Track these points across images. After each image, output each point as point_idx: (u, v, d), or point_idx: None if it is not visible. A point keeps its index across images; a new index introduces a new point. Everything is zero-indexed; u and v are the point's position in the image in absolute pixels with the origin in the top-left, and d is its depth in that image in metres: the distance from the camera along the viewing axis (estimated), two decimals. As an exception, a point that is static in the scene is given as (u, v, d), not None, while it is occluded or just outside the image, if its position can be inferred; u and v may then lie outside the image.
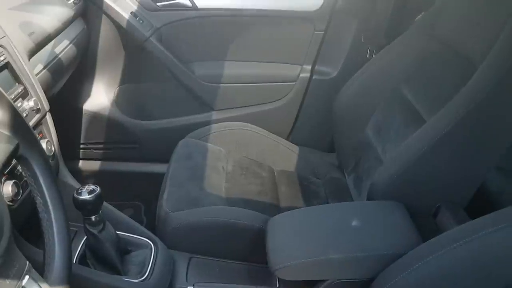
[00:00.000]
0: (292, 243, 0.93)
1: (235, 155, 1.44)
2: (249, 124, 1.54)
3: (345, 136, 1.44)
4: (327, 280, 0.89)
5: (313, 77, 1.59)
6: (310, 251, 0.90)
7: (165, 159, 1.41)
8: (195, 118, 1.63)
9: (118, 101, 1.63)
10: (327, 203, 1.36)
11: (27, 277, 0.55)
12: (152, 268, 0.95)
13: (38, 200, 0.62)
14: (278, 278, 1.05)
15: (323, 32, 1.56)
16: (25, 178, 0.65)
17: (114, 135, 1.63)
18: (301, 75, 1.59)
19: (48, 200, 0.63)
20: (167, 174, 1.30)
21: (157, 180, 1.35)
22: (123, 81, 1.62)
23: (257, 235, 1.08)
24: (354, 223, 0.94)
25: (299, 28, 1.56)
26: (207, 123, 1.59)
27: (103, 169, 1.67)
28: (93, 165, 1.68)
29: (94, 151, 1.67)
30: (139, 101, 1.65)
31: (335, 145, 1.53)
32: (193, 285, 0.97)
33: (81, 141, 1.64)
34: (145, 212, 1.62)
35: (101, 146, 1.67)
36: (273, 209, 1.25)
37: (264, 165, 1.45)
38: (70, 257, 0.62)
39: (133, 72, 1.61)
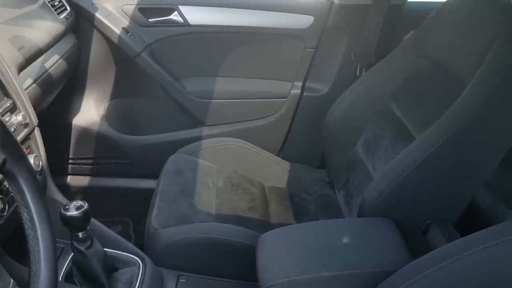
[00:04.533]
0: (282, 260, 0.92)
1: (225, 171, 1.44)
2: (240, 140, 1.54)
3: (336, 153, 1.45)
4: (318, 297, 0.88)
5: (304, 94, 1.60)
6: (300, 269, 0.89)
7: (155, 175, 1.40)
8: (186, 134, 1.62)
9: (108, 116, 1.62)
10: (318, 219, 1.36)
11: None
12: (140, 286, 0.94)
13: (25, 216, 0.61)
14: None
15: (314, 50, 1.57)
16: (12, 194, 0.64)
17: (104, 150, 1.61)
18: (292, 91, 1.60)
19: (35, 216, 0.62)
20: (157, 190, 1.28)
21: (147, 196, 1.34)
22: (114, 96, 1.62)
23: (247, 252, 1.07)
24: (344, 240, 0.94)
25: (290, 45, 1.58)
26: (198, 138, 1.59)
27: (92, 185, 1.65)
28: (81, 181, 1.66)
29: (83, 166, 1.65)
30: (129, 116, 1.65)
31: (325, 162, 1.53)
32: None
33: (70, 156, 1.63)
34: (134, 229, 1.60)
35: (90, 161, 1.65)
36: (264, 225, 1.24)
37: (255, 181, 1.45)
38: (56, 275, 0.60)
39: (124, 87, 1.61)
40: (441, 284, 0.72)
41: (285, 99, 1.61)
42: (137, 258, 1.00)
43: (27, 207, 0.62)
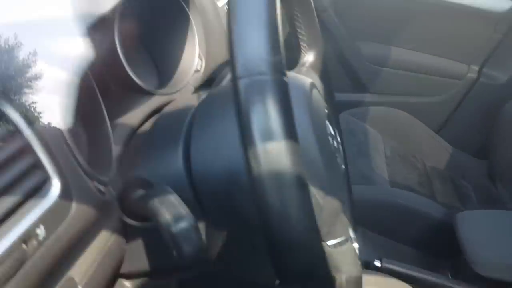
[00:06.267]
0: (497, 242, 0.92)
1: (390, 141, 1.43)
2: (405, 113, 1.53)
3: (508, 146, 1.40)
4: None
5: (480, 79, 1.54)
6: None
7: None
8: (348, 96, 1.62)
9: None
10: (481, 209, 1.33)
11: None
12: None
13: None
14: (451, 271, 1.04)
15: (502, 36, 1.49)
16: None
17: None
18: (468, 74, 1.54)
19: None
20: None
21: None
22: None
23: (435, 225, 1.08)
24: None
25: (478, 27, 1.50)
26: (360, 103, 1.58)
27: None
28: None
29: None
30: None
31: (490, 153, 1.49)
32: (381, 260, 0.97)
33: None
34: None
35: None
36: (434, 202, 1.24)
37: (417, 157, 1.44)
38: None
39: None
40: None
41: (459, 81, 1.55)
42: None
43: None
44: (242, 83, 0.33)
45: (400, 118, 1.52)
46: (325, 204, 0.45)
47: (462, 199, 1.35)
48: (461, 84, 1.56)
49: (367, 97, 1.62)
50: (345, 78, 1.62)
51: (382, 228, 1.13)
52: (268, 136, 0.32)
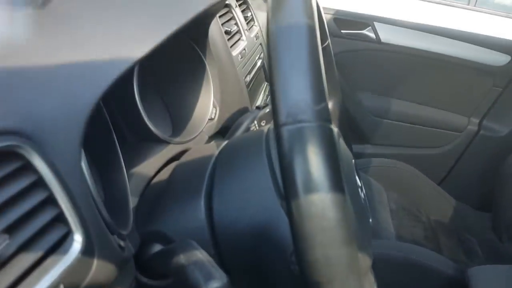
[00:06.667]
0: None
1: (393, 193, 1.41)
2: (407, 165, 1.52)
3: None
4: None
5: (480, 132, 1.55)
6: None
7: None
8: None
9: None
10: (488, 264, 1.30)
11: None
12: None
13: None
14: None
15: (501, 89, 1.52)
16: None
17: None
18: (468, 127, 1.56)
19: None
20: None
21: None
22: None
23: (446, 281, 1.04)
24: None
25: (476, 80, 1.54)
26: (360, 155, 1.58)
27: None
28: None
29: None
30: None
31: (493, 206, 1.47)
32: None
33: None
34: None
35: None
36: (443, 257, 1.20)
37: (422, 210, 1.41)
38: None
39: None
40: None
41: (459, 134, 1.56)
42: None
43: None
44: (285, 131, 0.31)
45: (403, 170, 1.51)
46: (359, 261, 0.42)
47: (468, 253, 1.32)
48: (462, 136, 1.57)
49: (368, 149, 1.62)
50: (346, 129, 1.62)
51: (390, 285, 1.08)
52: (314, 188, 0.30)
